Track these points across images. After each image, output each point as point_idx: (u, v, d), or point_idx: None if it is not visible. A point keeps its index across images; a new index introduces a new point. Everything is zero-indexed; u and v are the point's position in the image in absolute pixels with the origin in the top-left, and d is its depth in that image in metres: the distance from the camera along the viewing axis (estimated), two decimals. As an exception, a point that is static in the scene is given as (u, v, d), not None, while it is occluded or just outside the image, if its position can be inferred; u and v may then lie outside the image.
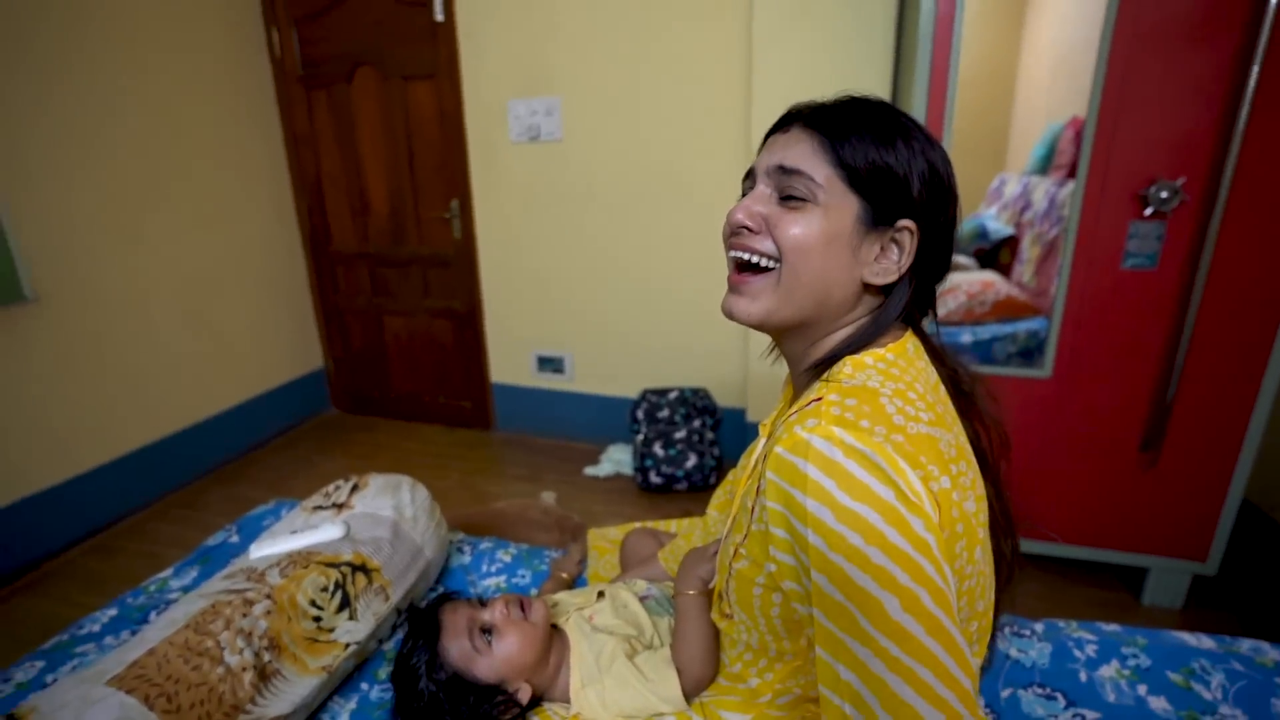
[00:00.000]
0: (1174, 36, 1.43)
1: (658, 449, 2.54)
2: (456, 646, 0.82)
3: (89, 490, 2.35)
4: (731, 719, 0.77)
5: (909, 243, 0.64)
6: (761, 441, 0.79)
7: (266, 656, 0.88)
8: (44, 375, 2.20)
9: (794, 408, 0.64)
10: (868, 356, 0.64)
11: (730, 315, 0.69)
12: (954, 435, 0.62)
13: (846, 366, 0.64)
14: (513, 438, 3.11)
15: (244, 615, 0.89)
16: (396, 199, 3.01)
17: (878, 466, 0.53)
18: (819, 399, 0.60)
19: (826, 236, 0.63)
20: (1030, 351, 1.91)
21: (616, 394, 2.89)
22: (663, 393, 2.68)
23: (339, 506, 1.16)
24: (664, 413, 2.62)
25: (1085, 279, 1.66)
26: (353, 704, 0.97)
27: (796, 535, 0.57)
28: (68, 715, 0.73)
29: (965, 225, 2.40)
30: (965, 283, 2.23)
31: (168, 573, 1.25)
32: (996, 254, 2.35)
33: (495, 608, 0.86)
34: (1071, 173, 1.68)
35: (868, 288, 0.66)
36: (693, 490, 2.56)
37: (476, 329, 3.04)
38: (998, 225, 2.34)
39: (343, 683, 1.00)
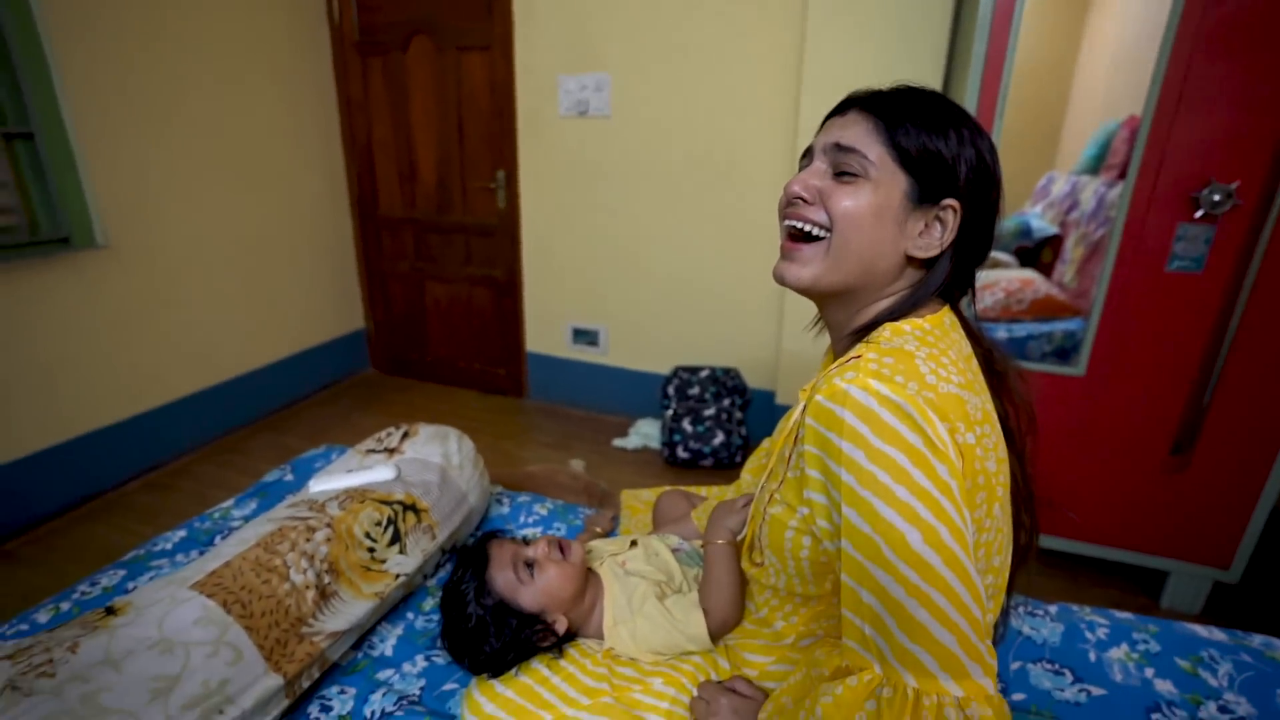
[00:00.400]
0: (1238, 37, 1.42)
1: (686, 425, 2.59)
2: (502, 577, 0.89)
3: (146, 430, 2.49)
4: (755, 660, 0.83)
5: (952, 221, 0.68)
6: (800, 405, 0.84)
7: (326, 579, 0.96)
8: (110, 319, 2.33)
9: (834, 364, 0.68)
10: (906, 324, 0.69)
11: (781, 280, 0.74)
12: (981, 401, 0.66)
13: (885, 331, 0.68)
14: (544, 407, 3.19)
15: (307, 540, 0.97)
16: (444, 167, 3.08)
17: (908, 415, 0.58)
18: (858, 356, 0.65)
19: (875, 209, 0.68)
20: (1066, 352, 1.91)
21: (648, 369, 2.94)
22: (694, 370, 2.73)
23: (390, 451, 1.24)
24: (694, 390, 2.67)
25: (1128, 278, 1.66)
26: (399, 630, 1.05)
27: (830, 475, 0.62)
28: (159, 610, 0.82)
29: (1009, 222, 2.39)
30: (1004, 280, 2.23)
31: (229, 503, 1.35)
32: (1039, 253, 2.33)
33: (538, 545, 0.93)
34: (1123, 174, 1.67)
35: (911, 261, 0.71)
36: (718, 467, 2.61)
37: (515, 298, 3.12)
38: (1042, 224, 2.33)
39: (391, 610, 1.08)
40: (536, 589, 0.88)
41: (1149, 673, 0.98)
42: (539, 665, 0.86)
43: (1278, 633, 1.06)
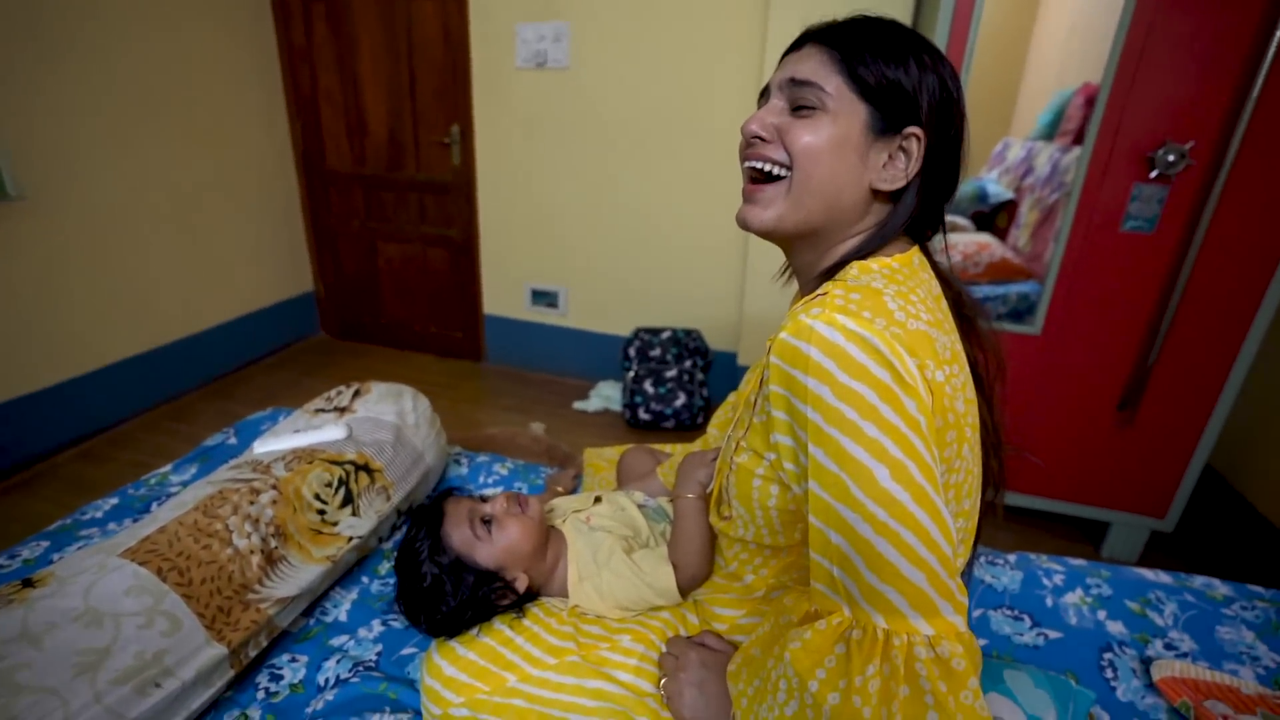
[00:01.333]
0: (1198, -3, 1.42)
1: (648, 386, 2.57)
2: (458, 533, 0.85)
3: (77, 396, 2.35)
4: (725, 614, 0.81)
5: (916, 150, 0.66)
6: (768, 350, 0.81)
7: (273, 543, 0.91)
8: (32, 277, 2.17)
9: (800, 302, 0.66)
10: (874, 263, 0.67)
11: (745, 225, 0.72)
12: (950, 341, 0.65)
13: (853, 270, 0.66)
14: (503, 370, 3.12)
15: (251, 503, 0.92)
16: (395, 121, 2.94)
17: (876, 350, 0.56)
18: (824, 293, 0.62)
19: (835, 142, 0.65)
20: (1020, 313, 1.94)
21: (609, 331, 2.90)
22: (656, 332, 2.70)
23: (341, 410, 1.18)
24: (656, 351, 2.64)
25: (1084, 239, 1.68)
26: (354, 594, 1.01)
27: (796, 414, 0.60)
28: (85, 580, 0.76)
29: (965, 187, 2.40)
30: (961, 243, 2.24)
31: (167, 469, 1.27)
32: (994, 217, 2.36)
33: (496, 501, 0.89)
34: (1077, 139, 1.69)
35: (877, 196, 0.68)
36: (680, 429, 2.61)
37: (471, 259, 3.02)
38: (998, 189, 2.35)
39: (345, 574, 1.04)
40: (494, 545, 0.85)
41: (1101, 615, 1.00)
42: (501, 626, 0.82)
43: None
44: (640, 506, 0.98)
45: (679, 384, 2.58)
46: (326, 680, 0.86)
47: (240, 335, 2.99)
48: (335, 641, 0.93)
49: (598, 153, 2.65)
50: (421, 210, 3.05)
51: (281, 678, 0.87)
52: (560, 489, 1.20)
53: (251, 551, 0.87)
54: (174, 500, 0.93)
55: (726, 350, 2.74)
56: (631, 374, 2.62)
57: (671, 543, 0.87)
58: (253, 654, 0.85)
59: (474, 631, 0.83)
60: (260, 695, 0.84)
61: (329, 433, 1.09)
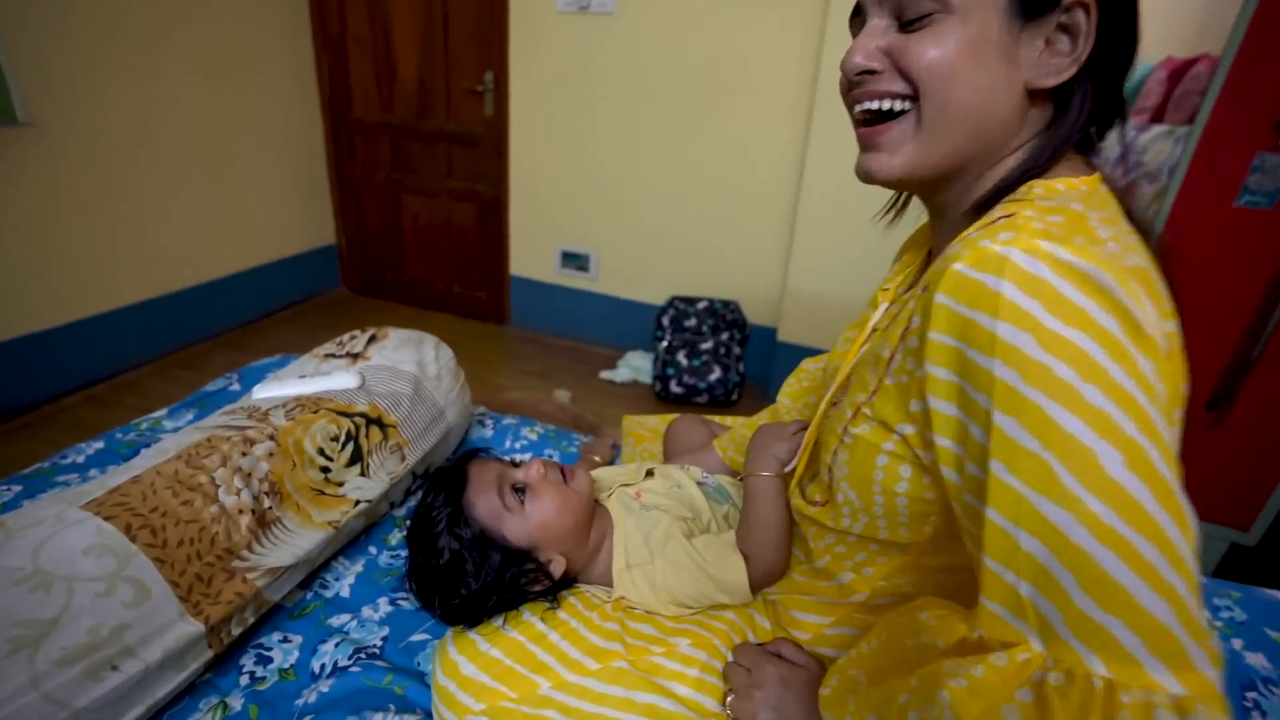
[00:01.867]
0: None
1: (681, 358, 2.42)
2: (484, 501, 0.71)
3: (85, 338, 2.24)
4: (807, 620, 0.66)
5: (1085, 22, 0.49)
6: (880, 308, 0.66)
7: (267, 502, 0.77)
8: (40, 210, 2.05)
9: (972, 227, 0.50)
10: (1059, 184, 0.50)
11: (867, 177, 0.57)
12: (1165, 290, 0.48)
13: (1036, 188, 0.50)
14: (527, 335, 2.98)
15: (243, 454, 0.78)
16: (426, 66, 2.77)
17: (1100, 288, 0.40)
18: (1010, 215, 0.46)
19: (970, 47, 0.49)
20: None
21: (640, 299, 2.74)
22: (692, 301, 2.53)
23: (354, 356, 1.04)
24: (691, 322, 2.48)
25: (1189, 214, 1.50)
26: (359, 566, 0.88)
27: (973, 372, 0.44)
28: (38, 534, 0.63)
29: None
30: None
31: (161, 413, 1.15)
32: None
33: (530, 466, 0.75)
34: (1155, 116, 1.51)
35: (1034, 97, 0.52)
36: (714, 404, 2.45)
37: (500, 216, 2.87)
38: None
39: (349, 543, 0.90)
40: (527, 519, 0.71)
41: (1237, 644, 0.84)
42: (532, 618, 0.68)
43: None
44: (699, 484, 0.83)
45: (715, 357, 2.42)
46: (323, 667, 0.73)
47: (257, 286, 2.87)
48: (335, 621, 0.79)
49: (640, 107, 2.47)
50: (450, 163, 2.90)
51: (270, 660, 0.74)
52: (598, 459, 1.06)
53: (241, 511, 0.74)
54: (155, 447, 0.80)
55: (765, 325, 2.57)
56: (664, 344, 2.47)
57: (741, 529, 0.72)
58: (236, 632, 0.72)
59: (498, 622, 0.69)
60: (244, 681, 0.71)
61: (339, 380, 0.95)
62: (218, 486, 0.74)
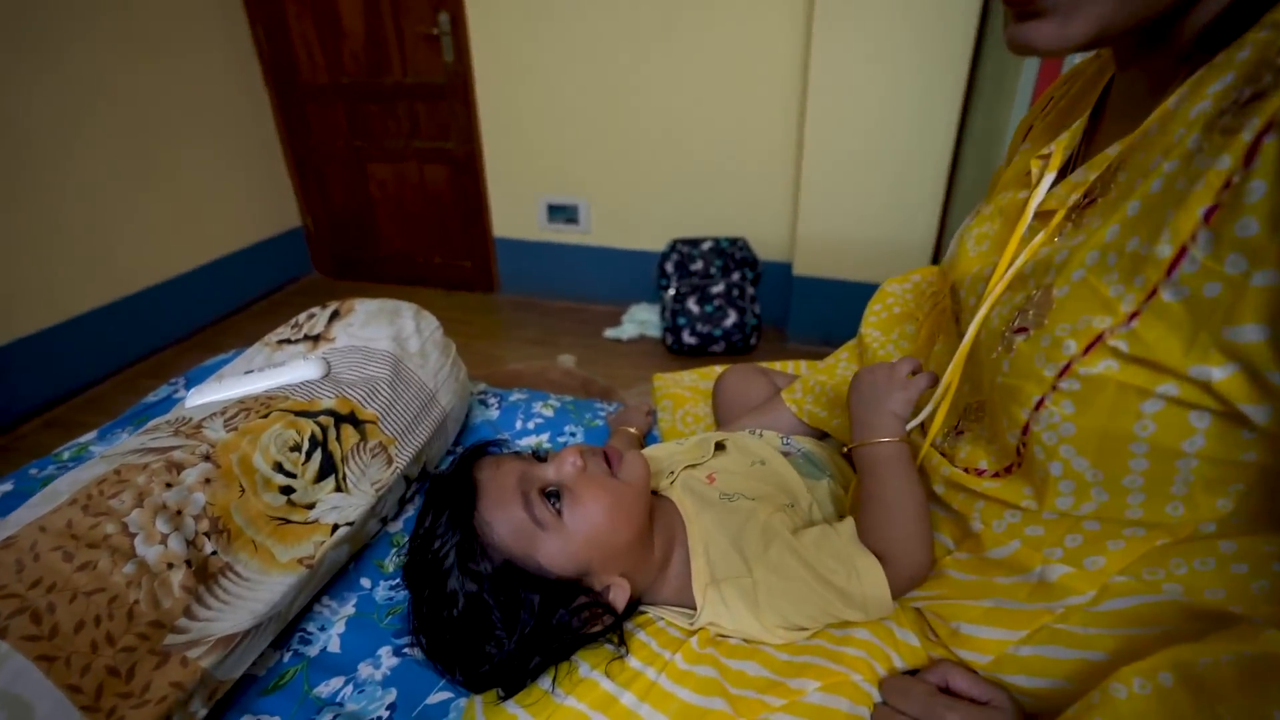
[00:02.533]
0: None
1: (692, 305, 2.20)
2: (506, 518, 0.51)
3: (35, 356, 2.01)
4: (983, 635, 0.46)
5: None
6: (1043, 182, 0.45)
7: (209, 546, 0.57)
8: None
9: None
10: None
11: (1029, 48, 0.38)
12: None
13: None
14: (520, 300, 2.76)
15: (168, 486, 0.57)
16: (372, 14, 2.48)
17: None
18: None
19: None
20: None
21: (638, 247, 2.51)
22: (695, 243, 2.31)
23: (314, 340, 0.82)
24: (698, 265, 2.26)
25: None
26: (349, 608, 0.67)
27: None
28: None
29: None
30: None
31: (90, 436, 0.93)
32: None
33: (564, 460, 0.54)
34: None
35: None
36: (731, 352, 2.25)
37: (475, 174, 2.61)
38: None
39: (332, 580, 0.70)
40: (570, 536, 0.51)
41: None
42: (593, 673, 0.48)
43: None
44: (784, 455, 0.62)
45: (728, 300, 2.20)
46: (312, 758, 0.54)
47: (221, 280, 2.63)
48: (324, 689, 0.60)
49: (618, 33, 2.19)
50: (413, 122, 2.63)
51: (241, 758, 0.54)
52: (633, 430, 0.84)
53: (170, 565, 0.53)
54: (41, 493, 0.59)
55: (778, 260, 2.34)
56: (671, 292, 2.25)
57: (866, 519, 0.52)
58: (184, 732, 0.52)
59: (546, 685, 0.49)
60: (205, 794, 0.52)
61: (295, 371, 0.74)
62: (133, 535, 0.53)
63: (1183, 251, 0.32)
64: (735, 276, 2.24)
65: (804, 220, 2.15)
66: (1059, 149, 0.46)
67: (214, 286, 2.60)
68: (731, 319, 2.20)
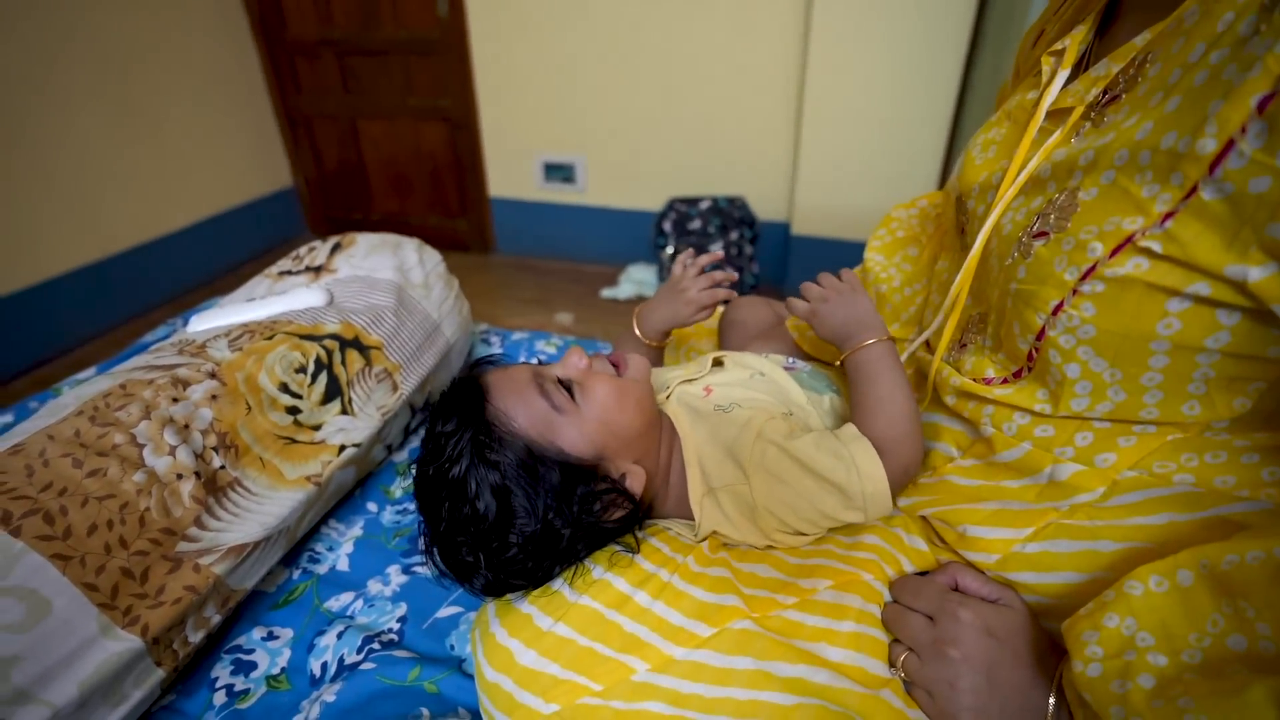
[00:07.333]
0: None
1: (691, 265, 2.19)
2: (525, 406, 0.50)
3: (14, 317, 1.98)
4: (988, 535, 0.46)
5: None
6: (1058, 78, 0.45)
7: (217, 460, 0.57)
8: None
9: None
10: None
11: None
12: None
13: None
14: (517, 260, 2.74)
15: (174, 400, 0.57)
16: (362, -38, 2.42)
17: None
18: None
19: None
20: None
21: (636, 207, 2.49)
22: (693, 202, 2.29)
23: (316, 270, 0.81)
24: (695, 224, 2.24)
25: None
26: (357, 530, 0.68)
27: None
28: None
29: None
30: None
31: (89, 373, 0.93)
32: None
33: (567, 360, 0.54)
34: None
35: None
36: (730, 313, 2.25)
37: (470, 132, 2.57)
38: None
39: (340, 502, 0.70)
40: (587, 419, 0.51)
41: None
42: (607, 574, 0.48)
43: None
44: (786, 370, 0.62)
45: (727, 259, 2.19)
46: (325, 667, 0.54)
47: (211, 240, 2.59)
48: (334, 603, 0.60)
49: (615, -14, 2.15)
50: (407, 77, 2.58)
51: (253, 666, 0.55)
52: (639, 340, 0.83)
53: (179, 475, 0.53)
54: (48, 405, 0.58)
55: (776, 220, 2.33)
56: (669, 251, 2.23)
57: (857, 418, 0.52)
58: (197, 638, 0.52)
59: (558, 585, 0.49)
60: (219, 699, 0.52)
61: (299, 298, 0.73)
62: (141, 446, 0.53)
63: (1229, 145, 0.30)
64: (733, 236, 2.23)
65: (803, 179, 2.13)
66: (1074, 43, 0.45)
67: (205, 246, 2.56)
68: (729, 278, 2.19)
